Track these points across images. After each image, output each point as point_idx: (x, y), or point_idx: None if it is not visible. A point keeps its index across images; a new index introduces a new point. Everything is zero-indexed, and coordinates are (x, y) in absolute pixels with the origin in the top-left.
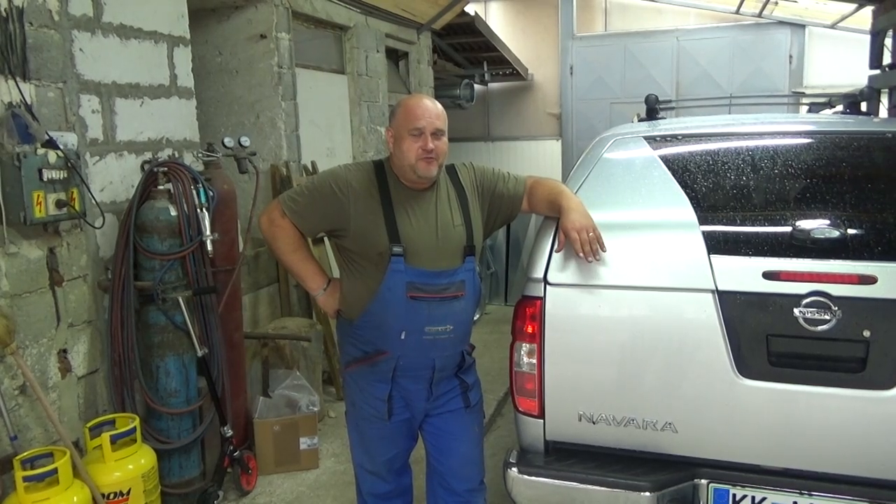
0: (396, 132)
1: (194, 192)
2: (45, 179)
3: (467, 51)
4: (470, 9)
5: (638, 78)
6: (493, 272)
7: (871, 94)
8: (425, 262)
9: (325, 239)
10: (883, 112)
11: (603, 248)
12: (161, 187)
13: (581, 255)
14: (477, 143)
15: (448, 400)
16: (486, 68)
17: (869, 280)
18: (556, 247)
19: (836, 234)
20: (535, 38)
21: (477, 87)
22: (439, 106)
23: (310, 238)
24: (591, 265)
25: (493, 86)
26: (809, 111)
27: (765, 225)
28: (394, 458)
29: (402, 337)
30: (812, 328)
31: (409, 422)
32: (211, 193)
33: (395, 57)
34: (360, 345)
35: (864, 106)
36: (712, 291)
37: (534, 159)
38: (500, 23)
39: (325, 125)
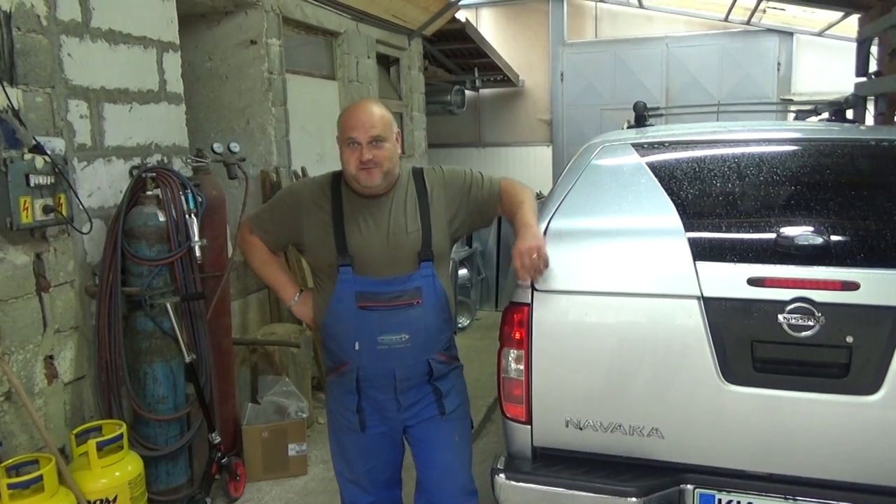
0: (339, 142)
1: (183, 197)
2: (32, 185)
3: (458, 57)
4: (461, 15)
5: (628, 84)
6: (484, 277)
7: (856, 101)
8: (374, 271)
9: None
10: (869, 120)
11: (545, 266)
12: (149, 193)
13: (519, 280)
14: (468, 148)
15: (422, 408)
16: (477, 74)
17: (852, 286)
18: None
19: (819, 240)
20: (526, 44)
21: (468, 93)
22: (378, 110)
23: (279, 251)
24: (580, 271)
25: (484, 92)
26: (796, 118)
27: (750, 232)
28: (374, 470)
29: (357, 348)
30: (796, 334)
31: (388, 435)
32: (199, 199)
33: (385, 63)
34: (329, 355)
35: (849, 113)
36: (698, 298)
37: (525, 165)
38: (490, 29)
39: (316, 131)
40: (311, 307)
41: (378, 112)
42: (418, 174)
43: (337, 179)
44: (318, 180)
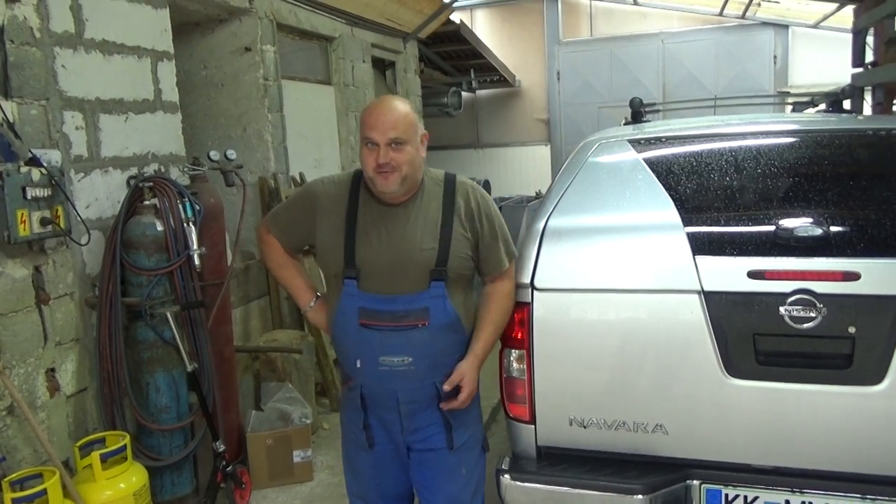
0: (360, 141)
1: (180, 206)
2: (28, 197)
3: (454, 59)
4: (455, 17)
5: (624, 81)
6: None
7: (852, 92)
8: (380, 287)
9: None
10: (867, 110)
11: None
12: (147, 202)
13: (443, 405)
14: (466, 150)
15: (429, 436)
16: (473, 76)
17: (853, 276)
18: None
19: (819, 231)
20: (522, 44)
21: (465, 94)
22: (402, 109)
23: (296, 253)
24: (580, 269)
25: (481, 93)
26: (793, 111)
27: (749, 224)
28: (383, 485)
29: (358, 365)
30: (798, 326)
31: (398, 450)
32: (197, 207)
33: (381, 66)
34: (340, 366)
35: (847, 104)
36: (698, 292)
37: (523, 165)
38: (485, 30)
39: (313, 136)
40: (325, 315)
41: (402, 111)
42: (450, 184)
43: (357, 180)
44: (337, 180)
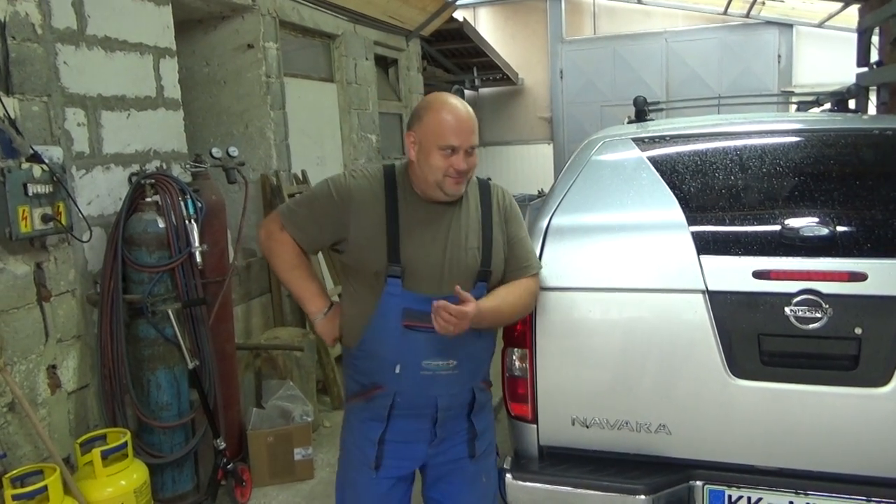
0: (422, 142)
1: (182, 203)
2: (30, 194)
3: (457, 57)
4: (458, 15)
5: (628, 80)
6: None
7: (858, 91)
8: (426, 287)
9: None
10: (872, 109)
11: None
12: (149, 199)
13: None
14: None
15: (452, 446)
16: (476, 74)
17: (859, 277)
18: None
19: (825, 231)
20: (525, 42)
21: (467, 92)
22: (472, 113)
23: (311, 254)
24: (583, 268)
25: (484, 91)
26: (798, 110)
27: (754, 224)
28: None
29: (397, 371)
30: (803, 326)
31: (402, 480)
32: (199, 204)
33: (384, 64)
34: (358, 377)
35: (852, 103)
36: (703, 292)
37: (526, 163)
38: (489, 28)
39: (315, 134)
40: (338, 324)
41: (473, 115)
42: (485, 187)
43: (391, 176)
44: (369, 174)
